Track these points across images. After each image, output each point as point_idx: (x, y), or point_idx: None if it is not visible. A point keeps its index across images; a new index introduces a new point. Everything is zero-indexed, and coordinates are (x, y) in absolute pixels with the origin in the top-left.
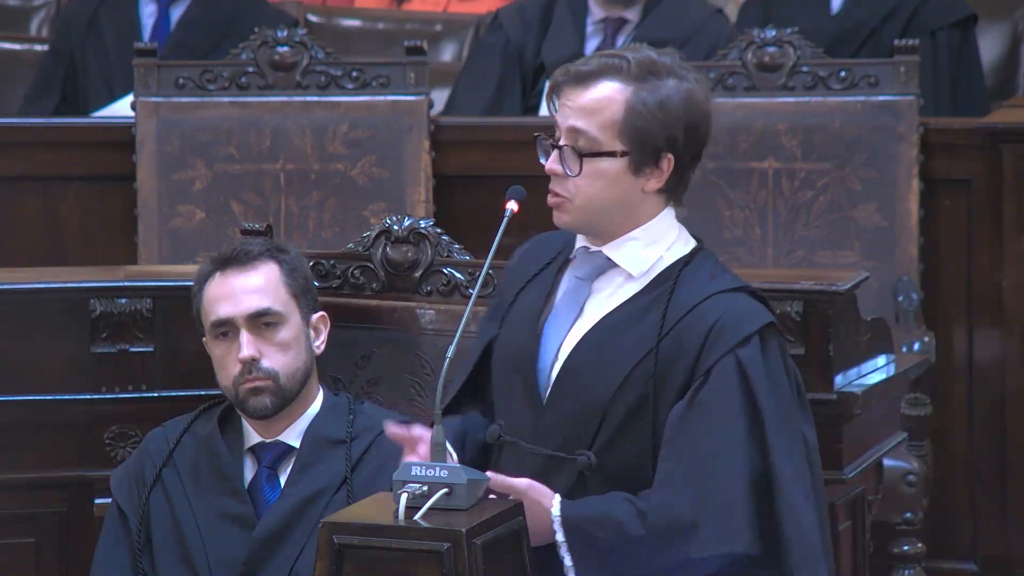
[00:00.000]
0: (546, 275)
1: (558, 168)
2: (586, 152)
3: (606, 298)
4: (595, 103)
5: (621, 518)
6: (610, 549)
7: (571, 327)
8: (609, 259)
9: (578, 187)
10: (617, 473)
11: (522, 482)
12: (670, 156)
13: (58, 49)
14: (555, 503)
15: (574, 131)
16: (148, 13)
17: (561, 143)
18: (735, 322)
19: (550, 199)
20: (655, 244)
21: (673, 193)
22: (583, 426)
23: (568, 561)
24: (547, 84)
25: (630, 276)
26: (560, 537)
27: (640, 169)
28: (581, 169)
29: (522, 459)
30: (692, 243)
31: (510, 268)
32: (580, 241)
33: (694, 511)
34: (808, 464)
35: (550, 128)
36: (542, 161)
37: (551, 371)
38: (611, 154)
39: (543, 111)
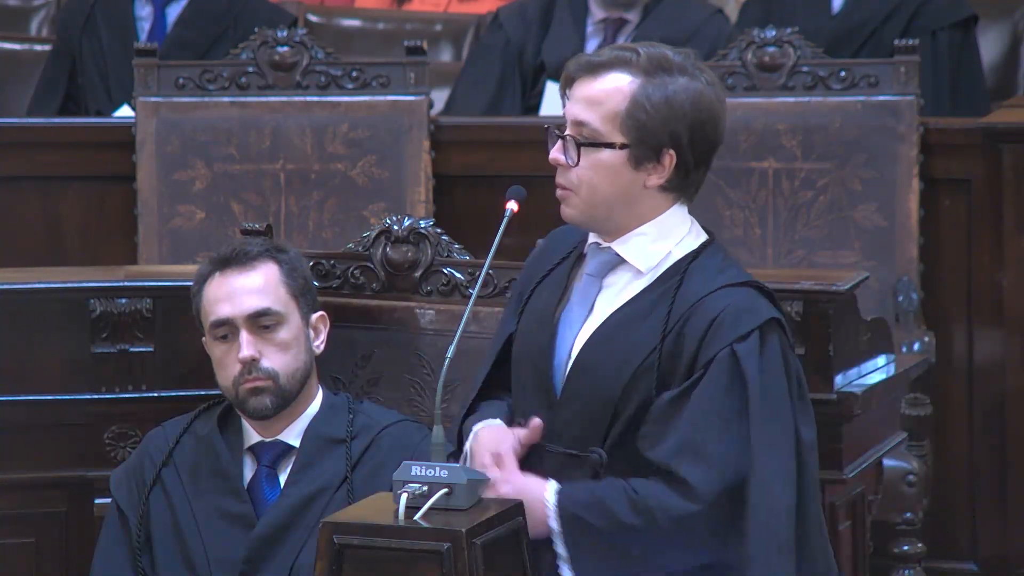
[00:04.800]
0: (560, 271)
1: (560, 157)
2: (584, 142)
3: (615, 295)
4: (600, 94)
5: (613, 505)
6: (602, 537)
7: (583, 324)
8: (618, 255)
9: (580, 178)
10: (630, 470)
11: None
12: (672, 152)
13: (59, 50)
14: (549, 490)
15: (578, 123)
16: (144, 14)
17: (566, 133)
18: (736, 317)
19: (558, 191)
20: (664, 239)
21: (681, 191)
22: (596, 423)
23: (562, 551)
24: (559, 78)
25: (638, 272)
26: (555, 525)
27: (640, 163)
28: (579, 159)
29: (540, 456)
30: (703, 237)
31: (529, 262)
32: (592, 237)
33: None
34: (800, 463)
35: (559, 125)
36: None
37: (565, 368)
38: (610, 145)
39: (543, 111)
